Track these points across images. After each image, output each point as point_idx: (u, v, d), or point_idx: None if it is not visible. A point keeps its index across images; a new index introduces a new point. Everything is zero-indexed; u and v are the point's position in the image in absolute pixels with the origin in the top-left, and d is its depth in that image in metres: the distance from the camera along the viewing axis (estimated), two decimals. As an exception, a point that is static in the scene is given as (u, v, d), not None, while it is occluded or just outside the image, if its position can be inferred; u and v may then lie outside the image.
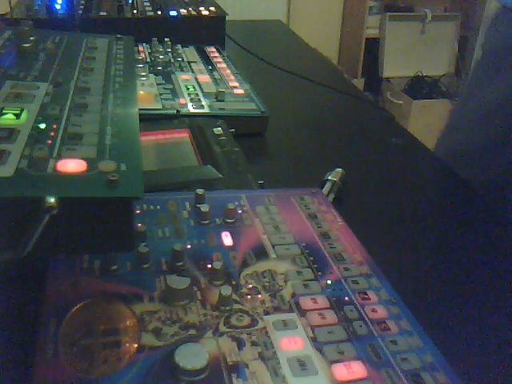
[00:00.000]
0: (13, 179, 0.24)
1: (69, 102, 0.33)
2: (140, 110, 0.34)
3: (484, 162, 0.55)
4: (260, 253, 0.35)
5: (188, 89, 0.65)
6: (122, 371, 0.26)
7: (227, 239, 0.36)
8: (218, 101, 0.62)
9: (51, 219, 0.23)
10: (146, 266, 0.32)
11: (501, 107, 0.51)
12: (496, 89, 0.53)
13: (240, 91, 0.66)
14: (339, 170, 0.49)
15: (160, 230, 0.36)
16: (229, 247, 0.35)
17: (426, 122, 2.19)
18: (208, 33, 0.85)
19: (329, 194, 0.47)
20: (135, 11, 0.84)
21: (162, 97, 0.61)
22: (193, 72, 0.71)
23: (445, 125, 0.67)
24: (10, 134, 0.28)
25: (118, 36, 0.49)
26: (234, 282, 0.32)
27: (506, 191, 0.55)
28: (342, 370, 0.27)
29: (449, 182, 0.56)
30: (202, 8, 0.89)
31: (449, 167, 0.58)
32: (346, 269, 0.34)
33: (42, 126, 0.30)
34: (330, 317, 0.30)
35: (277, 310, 0.30)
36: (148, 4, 0.89)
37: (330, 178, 0.48)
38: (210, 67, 0.73)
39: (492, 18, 0.60)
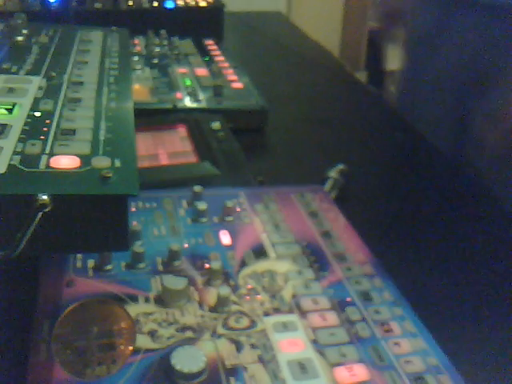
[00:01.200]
0: (4, 176, 0.24)
1: (62, 97, 0.33)
2: (135, 104, 0.34)
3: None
4: (259, 252, 0.34)
5: (185, 82, 0.64)
6: (117, 374, 0.25)
7: (225, 238, 0.35)
8: (215, 95, 0.61)
9: (44, 217, 0.23)
10: (141, 265, 0.32)
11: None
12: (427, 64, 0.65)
13: (238, 85, 0.66)
14: (341, 166, 0.49)
15: (156, 228, 0.35)
16: (227, 246, 0.35)
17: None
18: (205, 25, 0.84)
19: (330, 191, 0.46)
20: (130, 3, 0.83)
21: (158, 91, 0.61)
22: (190, 65, 0.70)
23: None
24: (1, 129, 0.28)
25: (113, 28, 0.48)
26: (232, 283, 0.32)
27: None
28: (343, 373, 0.26)
29: (455, 178, 0.55)
30: None
31: (455, 162, 0.58)
32: (349, 269, 0.34)
33: (35, 121, 0.29)
34: (332, 318, 0.30)
35: (277, 311, 0.30)
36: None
37: (331, 174, 0.48)
38: (208, 60, 0.72)
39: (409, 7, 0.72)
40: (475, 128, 0.63)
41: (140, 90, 0.60)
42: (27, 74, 0.35)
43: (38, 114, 0.30)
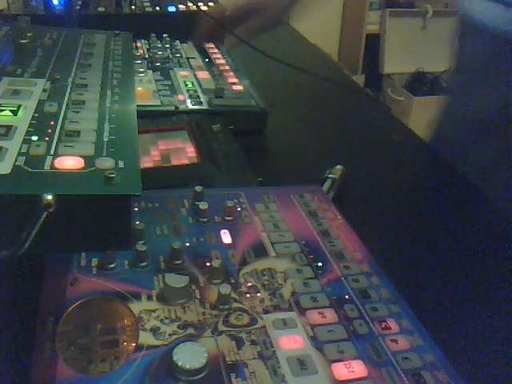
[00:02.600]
0: (10, 176, 0.24)
1: (66, 99, 0.33)
2: (138, 106, 0.34)
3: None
4: (259, 251, 0.35)
5: (186, 85, 0.64)
6: (120, 370, 0.26)
7: (226, 237, 0.36)
8: (216, 97, 0.62)
9: (48, 217, 0.23)
10: (144, 264, 0.32)
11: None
12: (478, 103, 0.57)
13: (239, 87, 0.66)
14: (339, 166, 0.49)
15: (158, 227, 0.36)
16: (228, 245, 0.35)
17: (427, 119, 2.18)
18: (207, 28, 0.84)
19: (329, 191, 0.46)
20: (133, 7, 0.83)
21: (160, 93, 0.61)
22: (191, 68, 0.70)
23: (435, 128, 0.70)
24: (7, 130, 0.28)
25: (116, 32, 0.49)
26: (233, 281, 0.32)
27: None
28: (342, 370, 0.27)
29: (450, 179, 0.56)
30: (200, 3, 0.88)
31: (450, 164, 0.58)
32: (347, 267, 0.34)
33: (39, 123, 0.29)
34: (330, 315, 0.30)
35: (276, 308, 0.30)
36: (146, 0, 0.88)
37: (330, 175, 0.48)
38: (209, 63, 0.73)
39: (457, 32, 0.64)
40: None
41: (143, 92, 0.61)
42: (32, 76, 0.36)
43: (42, 116, 0.30)
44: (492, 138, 0.58)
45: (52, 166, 0.25)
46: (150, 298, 0.30)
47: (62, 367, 0.25)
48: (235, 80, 0.68)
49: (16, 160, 0.25)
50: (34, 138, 0.28)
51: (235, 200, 0.39)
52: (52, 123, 0.30)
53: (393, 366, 0.27)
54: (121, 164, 0.26)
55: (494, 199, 0.51)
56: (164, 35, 0.79)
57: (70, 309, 0.28)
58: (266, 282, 0.32)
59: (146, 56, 0.73)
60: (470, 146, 0.61)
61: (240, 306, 0.30)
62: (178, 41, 0.79)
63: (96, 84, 0.36)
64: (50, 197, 0.23)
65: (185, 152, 0.50)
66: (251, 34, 0.64)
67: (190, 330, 0.28)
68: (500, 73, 0.54)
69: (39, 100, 0.32)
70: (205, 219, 0.37)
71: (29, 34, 0.42)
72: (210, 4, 0.88)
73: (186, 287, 0.30)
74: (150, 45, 0.76)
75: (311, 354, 0.27)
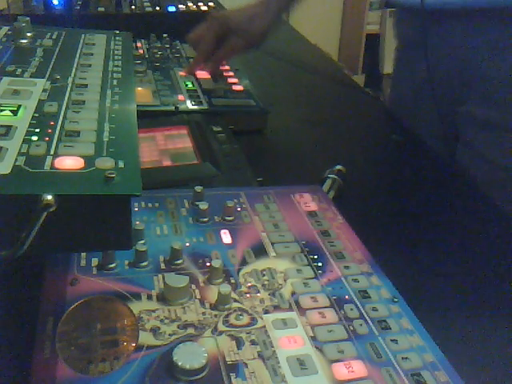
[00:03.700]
0: (10, 176, 0.24)
1: (66, 99, 0.33)
2: (138, 106, 0.34)
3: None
4: (259, 251, 0.35)
5: (186, 85, 0.64)
6: (120, 370, 0.26)
7: (226, 237, 0.36)
8: (216, 97, 0.62)
9: (48, 217, 0.23)
10: (144, 264, 0.32)
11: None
12: (417, 67, 0.66)
13: (239, 87, 0.66)
14: (339, 166, 0.49)
15: (158, 227, 0.36)
16: (228, 245, 0.35)
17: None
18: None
19: (329, 191, 0.46)
20: (133, 7, 0.83)
21: (160, 93, 0.61)
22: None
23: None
24: (7, 130, 0.28)
25: (116, 32, 0.49)
26: (233, 281, 0.32)
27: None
28: (342, 370, 0.27)
29: (450, 178, 0.56)
30: (200, 3, 0.88)
31: (450, 164, 0.58)
32: (347, 267, 0.34)
33: (39, 123, 0.29)
34: (330, 315, 0.30)
35: (276, 308, 0.30)
36: (146, 0, 0.89)
37: (330, 175, 0.48)
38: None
39: (394, 16, 0.75)
40: (466, 133, 0.64)
41: (143, 92, 0.61)
42: (32, 76, 0.36)
43: (42, 116, 0.30)
44: (422, 101, 0.67)
45: (52, 166, 0.25)
46: (150, 297, 0.30)
47: (62, 367, 0.25)
48: (235, 80, 0.68)
49: (16, 160, 0.25)
50: (34, 137, 0.28)
51: (235, 200, 0.40)
52: (52, 123, 0.30)
53: (393, 366, 0.27)
54: (121, 164, 0.26)
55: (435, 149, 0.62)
56: (164, 35, 0.79)
57: (70, 309, 0.28)
58: (265, 282, 0.32)
59: (146, 56, 0.73)
60: (407, 110, 0.72)
61: (240, 305, 0.30)
62: (177, 41, 0.79)
63: (96, 84, 0.36)
64: (49, 197, 0.23)
65: (185, 152, 0.50)
66: (230, 54, 0.66)
67: (190, 330, 0.28)
68: (419, 44, 0.63)
69: (39, 100, 0.32)
70: (205, 219, 0.37)
71: (29, 34, 0.42)
72: (210, 4, 0.89)
73: (185, 287, 0.30)
74: (149, 45, 0.76)
75: (311, 354, 0.27)
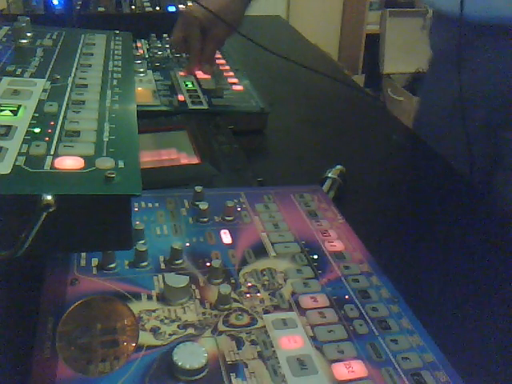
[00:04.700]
0: (10, 176, 0.24)
1: (66, 99, 0.33)
2: (138, 106, 0.34)
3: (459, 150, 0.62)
4: (259, 251, 0.35)
5: (186, 85, 0.64)
6: (120, 370, 0.26)
7: (226, 237, 0.36)
8: (216, 97, 0.62)
9: (48, 217, 0.23)
10: (144, 264, 0.32)
11: (458, 101, 0.59)
12: (450, 85, 0.60)
13: (239, 87, 0.66)
14: (339, 167, 0.49)
15: (158, 227, 0.36)
16: (228, 245, 0.35)
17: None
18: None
19: (329, 191, 0.46)
20: (133, 7, 0.83)
21: (160, 93, 0.61)
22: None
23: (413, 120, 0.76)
24: (7, 130, 0.28)
25: (116, 32, 0.49)
26: (233, 281, 0.32)
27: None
28: (342, 370, 0.27)
29: (450, 178, 0.56)
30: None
31: (450, 164, 0.58)
32: (347, 267, 0.34)
33: (39, 123, 0.29)
34: (330, 315, 0.30)
35: (276, 308, 0.30)
36: (146, 0, 0.88)
37: (330, 175, 0.48)
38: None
39: (430, 23, 0.70)
40: (506, 159, 0.60)
41: (143, 92, 0.61)
42: (32, 76, 0.36)
43: (42, 116, 0.30)
44: (453, 121, 0.62)
45: (52, 166, 0.25)
46: (150, 298, 0.30)
47: (62, 367, 0.25)
48: (235, 80, 0.68)
49: (16, 160, 0.25)
50: (34, 138, 0.28)
51: (235, 200, 0.40)
52: (52, 123, 0.30)
53: (393, 366, 0.27)
54: (121, 164, 0.26)
55: (462, 172, 0.56)
56: (164, 35, 0.79)
57: (70, 309, 0.28)
58: (265, 282, 0.32)
59: (146, 56, 0.73)
60: (438, 129, 0.66)
61: (240, 306, 0.30)
62: (177, 41, 0.79)
63: (96, 84, 0.36)
64: (49, 197, 0.23)
65: (185, 152, 0.50)
66: (217, 45, 0.67)
67: (190, 330, 0.28)
68: (460, 59, 0.57)
69: (39, 100, 0.32)
70: (205, 219, 0.37)
71: (29, 34, 0.42)
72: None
73: (185, 287, 0.30)
74: (150, 45, 0.76)
75: (311, 354, 0.27)
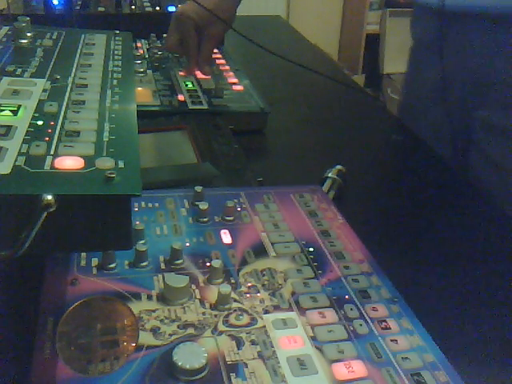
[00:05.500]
0: (10, 176, 0.24)
1: (66, 99, 0.33)
2: (138, 106, 0.34)
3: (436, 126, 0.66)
4: (259, 251, 0.35)
5: (186, 85, 0.64)
6: (120, 370, 0.26)
7: (226, 237, 0.36)
8: (216, 97, 0.62)
9: (48, 217, 0.23)
10: (144, 264, 0.32)
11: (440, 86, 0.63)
12: (430, 71, 0.65)
13: (239, 87, 0.66)
14: (339, 167, 0.49)
15: (158, 227, 0.36)
16: (228, 245, 0.35)
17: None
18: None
19: (329, 191, 0.46)
20: (133, 7, 0.83)
21: (160, 93, 0.61)
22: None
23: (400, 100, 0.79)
24: (7, 130, 0.28)
25: (116, 32, 0.49)
26: (233, 281, 0.32)
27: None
28: (342, 370, 0.27)
29: (450, 179, 0.56)
30: (200, 4, 0.88)
31: (449, 164, 0.58)
32: (347, 267, 0.34)
33: (40, 122, 0.29)
34: (330, 315, 0.30)
35: (276, 308, 0.30)
36: (146, 0, 0.88)
37: (330, 175, 0.48)
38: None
39: (412, 14, 0.74)
40: (479, 138, 0.62)
41: (143, 92, 0.61)
42: (32, 76, 0.36)
43: (42, 115, 0.30)
44: (434, 107, 0.66)
45: (52, 166, 0.25)
46: (150, 298, 0.30)
47: (62, 367, 0.25)
48: (235, 80, 0.68)
49: (16, 160, 0.25)
50: (34, 137, 0.28)
51: (235, 200, 0.40)
52: (52, 123, 0.30)
53: (393, 366, 0.27)
54: (121, 164, 0.26)
55: (442, 156, 0.60)
56: (164, 35, 0.79)
57: (70, 309, 0.28)
58: (265, 282, 0.32)
59: (146, 56, 0.73)
60: (420, 113, 0.70)
61: (240, 305, 0.30)
62: (178, 41, 0.79)
63: (96, 84, 0.36)
64: (49, 197, 0.23)
65: (185, 152, 0.50)
66: (214, 43, 0.68)
67: (190, 330, 0.28)
68: (435, 46, 0.62)
69: (39, 100, 0.32)
70: (205, 219, 0.37)
71: (29, 34, 0.42)
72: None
73: (185, 287, 0.30)
74: (150, 45, 0.76)
75: (311, 354, 0.27)
